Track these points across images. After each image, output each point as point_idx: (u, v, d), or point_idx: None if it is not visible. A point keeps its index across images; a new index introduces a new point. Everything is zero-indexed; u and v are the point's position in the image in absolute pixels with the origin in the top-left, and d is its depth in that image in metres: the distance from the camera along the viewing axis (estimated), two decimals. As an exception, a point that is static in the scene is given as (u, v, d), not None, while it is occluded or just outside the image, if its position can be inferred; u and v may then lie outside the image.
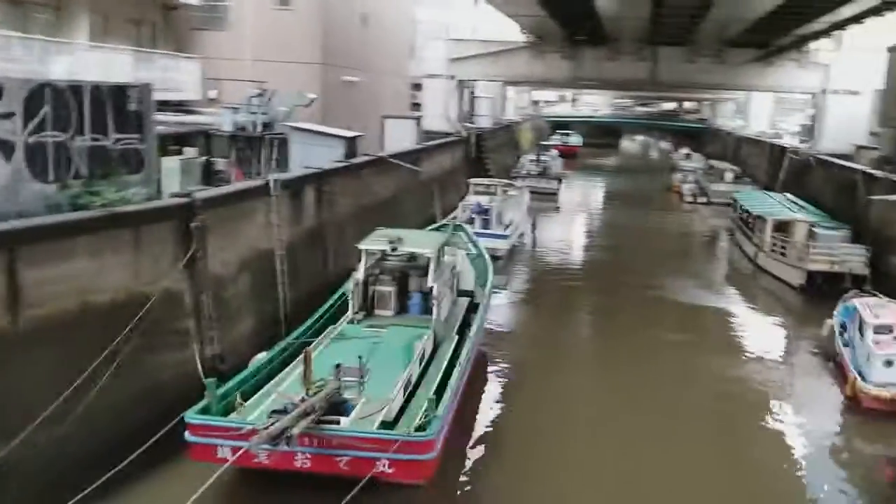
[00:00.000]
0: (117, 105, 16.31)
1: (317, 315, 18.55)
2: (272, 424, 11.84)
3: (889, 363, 18.75)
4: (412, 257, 19.42)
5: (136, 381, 14.44)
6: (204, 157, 23.68)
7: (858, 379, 19.00)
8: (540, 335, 24.68)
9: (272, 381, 15.16)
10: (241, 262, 18.34)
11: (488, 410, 18.15)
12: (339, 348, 16.38)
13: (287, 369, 15.70)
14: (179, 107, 29.83)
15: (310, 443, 12.75)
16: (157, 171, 18.35)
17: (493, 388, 19.53)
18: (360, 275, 18.48)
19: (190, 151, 23.04)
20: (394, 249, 18.63)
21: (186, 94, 31.69)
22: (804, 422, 18.44)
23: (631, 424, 17.65)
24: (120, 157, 16.39)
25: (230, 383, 14.50)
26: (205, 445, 13.01)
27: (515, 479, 14.90)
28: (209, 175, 23.12)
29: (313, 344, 16.42)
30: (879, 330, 19.57)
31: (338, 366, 13.75)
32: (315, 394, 12.91)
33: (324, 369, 13.98)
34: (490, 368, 20.80)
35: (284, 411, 12.37)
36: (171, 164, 20.24)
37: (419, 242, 19.36)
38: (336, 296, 19.79)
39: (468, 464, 15.50)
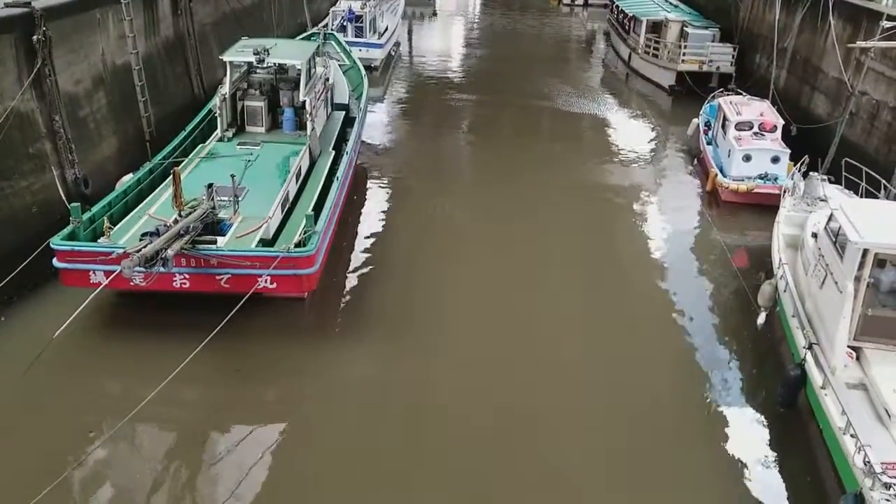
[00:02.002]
0: None
1: (184, 134, 17.74)
2: (145, 246, 11.54)
3: (747, 158, 19.81)
4: (281, 69, 18.53)
5: (-8, 209, 13.62)
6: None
7: (719, 174, 20.10)
8: (420, 148, 24.59)
9: (142, 204, 14.64)
10: (96, 79, 17.03)
11: (369, 224, 18.26)
12: (211, 167, 15.84)
13: (156, 191, 15.14)
14: None
15: (187, 263, 12.58)
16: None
17: (373, 203, 19.55)
18: (225, 89, 17.55)
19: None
20: (260, 61, 17.60)
21: None
22: (667, 217, 19.59)
23: (511, 232, 18.24)
24: (-65, -39, 14.47)
25: (96, 207, 13.92)
26: (76, 271, 12.63)
27: (397, 289, 15.28)
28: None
29: (183, 164, 15.80)
30: (741, 126, 20.52)
31: (210, 185, 13.32)
32: (188, 215, 12.59)
33: (196, 190, 13.52)
34: (369, 184, 20.76)
35: (156, 233, 12.04)
36: (-1, -31, 18.00)
37: (288, 53, 18.38)
38: (203, 112, 18.90)
39: (350, 276, 15.74)
